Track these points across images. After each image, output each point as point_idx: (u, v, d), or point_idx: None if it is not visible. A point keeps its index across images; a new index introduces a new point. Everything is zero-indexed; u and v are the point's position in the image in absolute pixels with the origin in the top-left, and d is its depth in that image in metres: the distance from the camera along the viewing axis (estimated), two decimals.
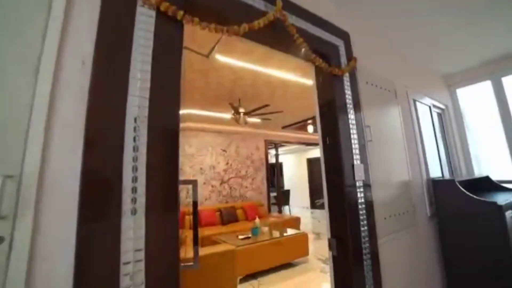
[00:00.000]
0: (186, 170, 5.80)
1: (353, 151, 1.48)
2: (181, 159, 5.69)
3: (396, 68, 2.15)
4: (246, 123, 4.40)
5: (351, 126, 1.48)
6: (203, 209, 5.33)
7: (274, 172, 9.48)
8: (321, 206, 9.30)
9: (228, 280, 2.59)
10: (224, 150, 6.43)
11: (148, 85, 0.79)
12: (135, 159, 0.73)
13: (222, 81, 3.38)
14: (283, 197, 7.93)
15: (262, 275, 3.45)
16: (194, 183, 1.41)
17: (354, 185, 1.44)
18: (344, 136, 1.46)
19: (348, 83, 1.53)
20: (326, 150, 1.50)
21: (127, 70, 0.75)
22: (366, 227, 1.44)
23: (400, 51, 2.24)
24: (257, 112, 4.07)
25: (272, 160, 8.94)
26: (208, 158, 6.16)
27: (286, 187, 10.57)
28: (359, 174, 1.46)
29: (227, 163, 6.42)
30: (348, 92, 1.51)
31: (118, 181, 0.69)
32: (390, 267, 1.55)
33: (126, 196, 0.70)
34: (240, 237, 3.75)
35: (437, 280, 1.99)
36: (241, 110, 4.02)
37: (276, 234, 4.00)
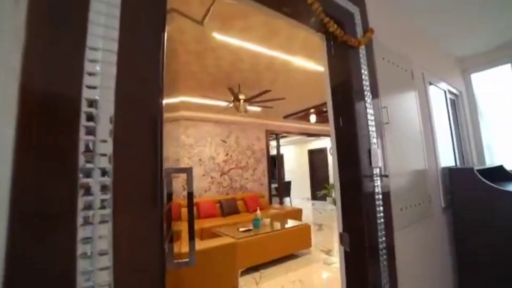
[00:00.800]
0: (185, 161, 5.65)
1: (370, 134, 1.31)
2: (178, 149, 5.53)
3: (413, 47, 1.96)
4: (246, 111, 4.22)
5: (367, 105, 1.31)
6: (203, 200, 5.20)
7: (275, 163, 9.35)
8: (322, 198, 9.21)
9: (229, 274, 2.46)
10: (223, 141, 6.26)
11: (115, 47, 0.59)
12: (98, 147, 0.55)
13: (220, 63, 3.19)
14: (284, 189, 7.81)
15: (264, 267, 3.34)
16: (188, 171, 1.25)
17: (371, 173, 1.28)
18: (360, 117, 1.29)
19: (365, 57, 1.34)
20: (338, 132, 1.34)
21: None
22: (382, 220, 1.29)
23: (417, 28, 2.04)
24: (258, 99, 3.88)
25: (273, 151, 8.79)
26: (207, 148, 6.00)
27: (286, 179, 10.45)
28: (376, 161, 1.30)
29: (227, 154, 6.26)
30: (364, 67, 1.33)
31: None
32: (404, 262, 1.41)
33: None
34: (241, 229, 3.62)
35: (450, 274, 1.86)
36: (241, 96, 3.83)
37: (277, 226, 3.88)
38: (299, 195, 10.28)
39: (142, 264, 0.61)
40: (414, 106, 1.76)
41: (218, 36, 2.54)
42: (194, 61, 3.11)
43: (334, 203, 8.36)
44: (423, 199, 1.67)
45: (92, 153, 0.53)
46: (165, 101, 0.71)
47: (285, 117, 6.30)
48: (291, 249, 3.63)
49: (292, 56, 3.04)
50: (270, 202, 6.67)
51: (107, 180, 0.55)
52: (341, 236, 1.33)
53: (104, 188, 0.54)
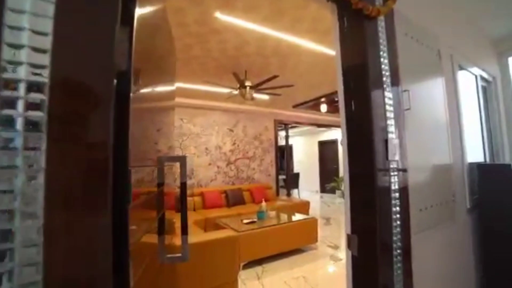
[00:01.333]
0: (191, 151, 5.55)
1: (387, 121, 1.11)
2: (181, 138, 5.43)
3: (441, 23, 1.70)
4: (252, 99, 4.03)
5: (385, 87, 1.10)
6: (208, 190, 5.11)
7: (283, 154, 9.16)
8: (331, 191, 8.99)
9: (229, 268, 2.35)
10: (231, 130, 6.11)
11: None
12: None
13: (224, 47, 2.99)
14: (293, 181, 7.65)
15: (267, 261, 3.22)
16: (182, 160, 1.05)
17: (387, 167, 1.09)
18: (376, 100, 1.09)
19: (384, 31, 1.13)
20: (349, 118, 1.15)
21: None
22: (398, 222, 1.10)
23: (446, 1, 1.77)
24: (266, 86, 3.67)
25: (281, 142, 8.59)
26: (214, 138, 5.87)
27: (295, 170, 10.27)
28: (394, 153, 1.10)
29: (234, 143, 6.12)
30: (383, 43, 1.12)
31: None
32: (422, 272, 1.23)
33: None
34: (245, 221, 3.50)
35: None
36: (247, 83, 3.64)
37: (283, 218, 3.74)
38: (308, 188, 10.10)
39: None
40: (440, 91, 1.53)
41: (220, 16, 2.34)
42: (196, 44, 2.92)
43: (343, 196, 8.16)
44: (445, 199, 1.46)
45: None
46: (159, 88, 0.55)
47: (295, 106, 6.06)
48: (296, 243, 3.49)
49: (300, 39, 2.80)
50: (277, 193, 6.53)
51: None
52: (348, 238, 1.15)
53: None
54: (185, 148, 5.49)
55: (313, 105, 6.05)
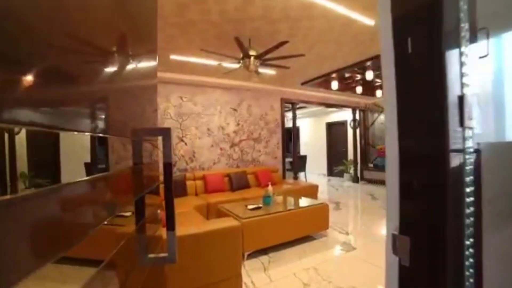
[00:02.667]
0: (192, 131, 5.22)
1: (462, 70, 0.73)
2: (185, 119, 5.08)
3: None
4: (257, 72, 3.61)
5: (459, 22, 0.71)
6: (210, 174, 4.82)
7: (289, 136, 8.78)
8: (339, 174, 8.67)
9: (232, 260, 2.07)
10: (234, 109, 5.73)
11: None
12: None
13: (225, 8, 2.56)
14: (300, 163, 7.32)
15: (274, 250, 2.96)
16: (164, 133, 0.83)
17: (460, 138, 0.72)
18: (445, 39, 0.71)
19: None
20: (402, 65, 0.77)
21: None
22: (472, 218, 0.76)
23: None
24: (273, 55, 3.25)
25: (288, 124, 8.19)
26: (216, 117, 5.51)
27: (302, 153, 9.93)
28: (470, 116, 0.73)
29: (238, 124, 5.76)
30: None
31: None
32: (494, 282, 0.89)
33: None
34: (250, 207, 3.21)
35: None
36: (252, 52, 3.21)
37: (291, 204, 3.43)
38: (315, 171, 9.79)
39: None
40: None
41: None
42: (192, 4, 2.49)
43: (352, 180, 7.84)
44: None
45: None
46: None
47: (303, 83, 5.60)
48: (305, 231, 3.21)
49: None
50: (284, 177, 6.23)
51: None
52: (394, 240, 0.81)
53: None
54: (185, 129, 5.17)
55: (323, 81, 5.59)
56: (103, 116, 0.58)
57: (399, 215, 0.80)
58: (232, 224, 2.06)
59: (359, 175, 7.81)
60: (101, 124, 0.55)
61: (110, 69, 0.60)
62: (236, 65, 3.64)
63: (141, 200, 0.84)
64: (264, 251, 2.93)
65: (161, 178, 0.94)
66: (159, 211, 1.31)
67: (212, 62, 4.02)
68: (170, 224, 1.03)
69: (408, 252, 0.75)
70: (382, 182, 7.20)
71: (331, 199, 5.68)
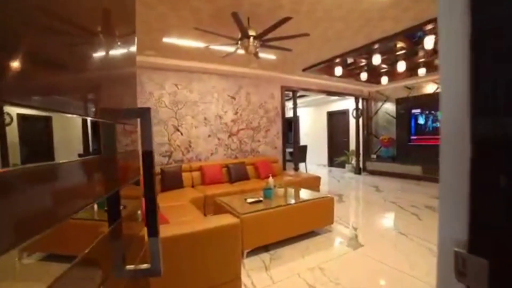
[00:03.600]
0: (188, 120, 4.94)
1: None
2: (180, 107, 4.79)
3: None
4: (257, 55, 3.32)
5: None
6: (208, 165, 4.58)
7: (289, 126, 8.52)
8: (340, 165, 8.47)
9: (230, 260, 1.85)
10: (232, 97, 5.44)
11: None
12: None
13: None
14: (300, 154, 7.09)
15: (276, 247, 2.76)
16: (143, 114, 0.69)
17: None
18: None
19: None
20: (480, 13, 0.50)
21: None
22: None
23: None
24: (275, 35, 2.95)
25: (288, 114, 7.91)
26: (214, 106, 5.23)
27: (302, 143, 9.69)
28: None
29: (236, 113, 5.48)
30: None
31: None
32: None
33: None
34: (249, 200, 2.98)
35: None
36: (251, 32, 2.91)
37: (293, 196, 3.21)
38: (315, 161, 9.59)
39: None
40: None
41: None
42: None
43: (354, 171, 7.63)
44: None
45: None
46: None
47: (305, 69, 5.30)
48: (309, 226, 2.99)
49: None
50: (284, 168, 6.01)
51: None
52: (458, 260, 0.57)
53: None
54: (181, 118, 4.89)
55: (326, 67, 5.29)
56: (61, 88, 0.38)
57: (469, 225, 0.55)
58: (231, 221, 1.82)
59: (361, 166, 7.60)
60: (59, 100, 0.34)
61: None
62: (232, 48, 3.34)
63: (115, 197, 0.67)
64: (265, 248, 2.72)
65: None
66: (139, 211, 1.07)
67: (204, 44, 3.70)
68: (153, 229, 0.83)
69: (487, 283, 0.51)
70: (385, 174, 7.01)
71: (333, 191, 5.48)
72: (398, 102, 7.06)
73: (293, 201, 2.97)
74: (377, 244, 2.80)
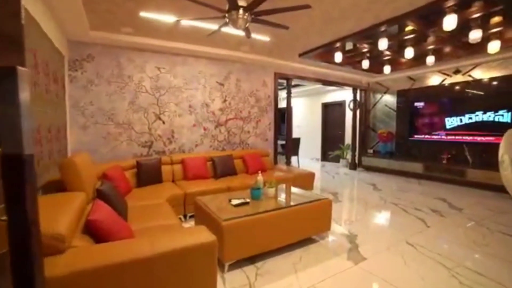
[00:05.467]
0: (171, 107, 4.44)
1: None
2: (163, 93, 4.25)
3: None
4: (248, 33, 2.83)
5: None
6: (191, 157, 4.11)
7: (282, 117, 8.06)
8: (335, 159, 8.12)
9: (204, 281, 1.43)
10: (220, 84, 4.93)
11: None
12: None
13: None
14: (293, 147, 6.68)
15: (263, 257, 2.35)
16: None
17: None
18: None
19: None
20: None
21: None
22: None
23: None
24: (268, 7, 2.45)
25: (281, 104, 7.44)
26: (200, 93, 4.72)
27: (294, 135, 9.27)
28: None
29: (225, 101, 4.99)
30: None
31: None
32: None
33: None
34: (234, 201, 2.54)
35: None
36: (241, 3, 2.41)
37: (286, 198, 2.79)
38: (308, 155, 9.21)
39: None
40: None
41: None
42: None
43: (349, 166, 7.25)
44: None
45: None
46: None
47: (302, 55, 4.81)
48: (303, 233, 2.59)
49: None
50: (275, 162, 5.59)
51: None
52: None
53: None
54: (163, 105, 4.38)
55: (325, 53, 4.82)
56: None
57: None
58: (204, 239, 1.38)
59: (356, 161, 7.25)
60: None
61: None
62: (215, 26, 2.82)
63: None
64: (251, 260, 2.30)
65: None
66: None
67: (194, 23, 3.17)
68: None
69: None
70: (382, 170, 6.67)
71: (327, 189, 5.10)
72: (400, 94, 6.64)
73: (285, 205, 2.55)
74: (382, 258, 2.40)
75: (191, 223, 3.15)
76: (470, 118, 5.34)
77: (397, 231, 3.02)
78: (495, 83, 5.04)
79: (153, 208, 2.60)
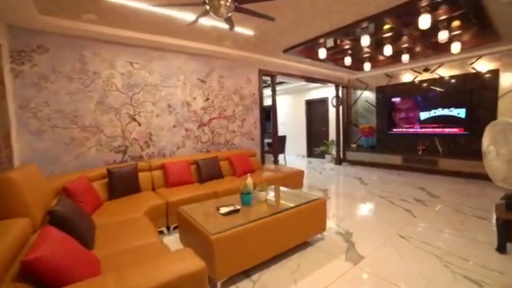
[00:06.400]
0: (147, 107, 4.09)
1: None
2: (137, 92, 3.88)
3: None
4: (231, 24, 2.59)
5: None
6: (172, 161, 3.80)
7: (267, 115, 7.87)
8: (320, 155, 8.08)
9: None
10: (202, 81, 4.64)
11: None
12: None
13: None
14: (279, 145, 6.52)
15: (260, 269, 2.15)
16: None
17: None
18: None
19: None
20: None
21: None
22: None
23: None
24: None
25: (265, 102, 7.25)
26: (180, 91, 4.40)
27: (279, 133, 9.13)
28: None
29: (207, 99, 4.71)
30: None
31: None
32: None
33: None
34: (223, 210, 2.30)
35: None
36: None
37: (277, 200, 2.60)
38: (293, 152, 9.11)
39: None
40: None
41: None
42: None
43: (335, 161, 7.24)
44: None
45: None
46: None
47: (287, 50, 4.63)
48: (299, 238, 2.41)
49: None
50: (263, 161, 5.40)
51: None
52: None
53: None
54: (138, 105, 4.02)
55: (309, 49, 4.68)
56: None
57: None
58: (190, 267, 1.14)
59: (341, 156, 7.24)
60: None
61: None
62: (193, 16, 2.55)
63: None
64: (246, 273, 2.09)
65: None
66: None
67: (167, 11, 2.86)
68: None
69: None
70: (365, 164, 6.73)
71: (317, 185, 4.99)
72: (378, 90, 6.76)
73: (279, 209, 2.35)
74: (379, 255, 2.32)
75: (175, 236, 2.87)
76: (437, 112, 5.71)
77: (388, 225, 3.01)
78: (453, 81, 5.52)
79: (128, 225, 2.26)
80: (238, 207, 2.37)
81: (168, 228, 3.06)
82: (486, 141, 2.41)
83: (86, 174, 2.99)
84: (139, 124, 4.02)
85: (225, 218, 2.16)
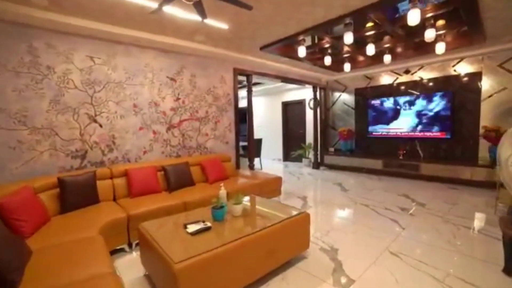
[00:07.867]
0: (110, 107, 3.63)
1: None
2: (98, 90, 3.40)
3: None
4: (202, 7, 2.28)
5: None
6: (136, 168, 3.38)
7: (242, 117, 7.60)
8: (297, 159, 7.95)
9: None
10: (172, 79, 4.26)
11: None
12: None
13: None
14: (255, 148, 6.26)
15: None
16: None
17: None
18: None
19: None
20: None
21: None
22: None
23: None
24: None
25: (241, 103, 6.96)
26: (147, 89, 3.98)
27: (254, 136, 8.88)
28: None
29: (178, 99, 4.33)
30: None
31: None
32: None
33: None
34: (191, 228, 1.97)
35: None
36: None
37: (254, 214, 2.32)
38: (269, 156, 8.90)
39: None
40: None
41: None
42: None
43: (312, 166, 7.10)
44: None
45: None
46: None
47: (263, 47, 4.39)
48: (280, 258, 2.13)
49: None
50: (238, 166, 5.10)
51: None
52: None
53: None
54: (100, 104, 3.55)
55: (287, 47, 4.48)
56: None
57: None
58: None
59: (319, 160, 7.14)
60: None
61: None
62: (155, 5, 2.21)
63: None
64: None
65: None
66: None
67: None
68: None
69: None
70: (344, 168, 6.67)
71: (295, 192, 4.78)
72: (357, 92, 6.72)
73: (257, 226, 2.06)
74: (371, 277, 2.06)
75: (137, 254, 2.48)
76: (419, 115, 5.67)
77: (376, 239, 2.78)
78: (434, 84, 5.50)
79: (75, 248, 1.84)
80: (209, 224, 2.05)
81: (130, 245, 2.66)
82: (509, 151, 2.23)
83: (32, 184, 2.52)
84: (101, 126, 3.55)
85: (193, 238, 1.84)
